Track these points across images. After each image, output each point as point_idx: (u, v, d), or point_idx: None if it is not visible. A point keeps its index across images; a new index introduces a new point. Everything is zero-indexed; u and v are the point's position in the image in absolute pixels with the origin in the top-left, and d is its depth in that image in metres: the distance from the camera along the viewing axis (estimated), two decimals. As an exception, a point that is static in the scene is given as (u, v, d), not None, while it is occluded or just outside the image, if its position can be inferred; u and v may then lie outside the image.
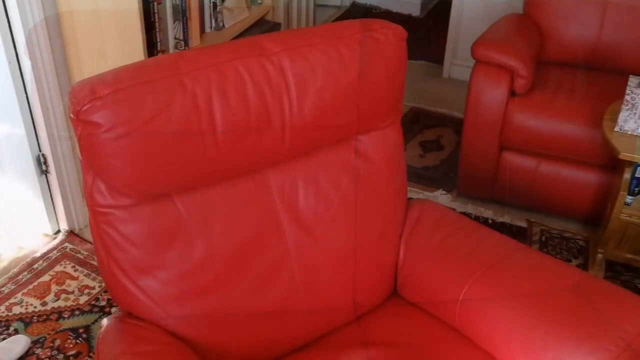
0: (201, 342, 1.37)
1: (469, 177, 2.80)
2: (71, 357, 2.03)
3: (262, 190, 1.43)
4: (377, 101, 1.48)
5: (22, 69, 2.28)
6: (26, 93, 2.33)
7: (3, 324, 2.15)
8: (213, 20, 2.63)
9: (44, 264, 2.41)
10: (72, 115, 1.20)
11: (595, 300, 1.34)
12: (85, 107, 1.17)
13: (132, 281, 1.32)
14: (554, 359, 1.28)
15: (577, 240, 2.62)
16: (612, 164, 2.43)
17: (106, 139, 1.19)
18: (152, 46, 2.28)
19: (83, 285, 2.32)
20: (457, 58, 4.02)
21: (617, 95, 2.49)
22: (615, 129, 2.22)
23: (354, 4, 5.09)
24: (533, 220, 2.75)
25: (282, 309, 1.45)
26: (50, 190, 2.54)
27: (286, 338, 1.49)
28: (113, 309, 2.21)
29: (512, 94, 2.58)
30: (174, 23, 2.35)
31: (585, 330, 1.28)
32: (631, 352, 1.23)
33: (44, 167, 2.47)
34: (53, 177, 2.49)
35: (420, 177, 3.07)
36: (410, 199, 1.70)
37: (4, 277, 2.35)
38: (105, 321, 1.36)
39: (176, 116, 1.22)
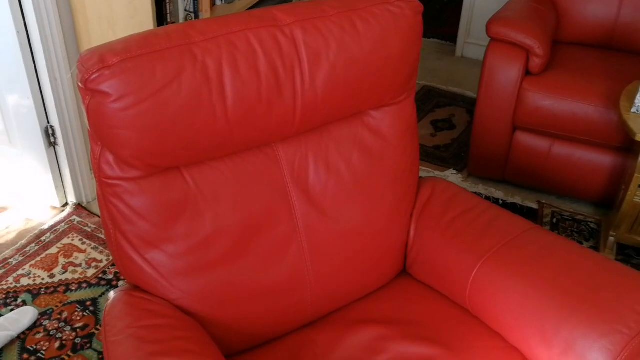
0: (208, 316, 1.36)
1: (480, 157, 2.76)
2: (78, 330, 2.03)
3: (272, 165, 1.41)
4: (391, 76, 1.45)
5: (31, 39, 2.25)
6: (35, 64, 2.30)
7: (11, 295, 2.15)
8: (224, -7, 2.60)
9: (52, 236, 2.41)
10: (80, 84, 1.17)
11: (609, 282, 1.31)
12: (93, 76, 1.15)
13: (140, 254, 1.31)
14: (566, 342, 1.26)
15: (589, 223, 2.59)
16: (627, 146, 2.39)
17: (114, 109, 1.16)
18: (161, 18, 2.25)
19: (91, 259, 2.31)
20: (471, 37, 3.96)
21: (635, 76, 2.44)
22: (632, 110, 2.18)
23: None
24: (544, 201, 2.72)
25: (290, 285, 1.44)
26: (58, 163, 2.53)
27: (294, 314, 1.48)
28: (120, 282, 2.21)
29: (527, 73, 2.53)
30: (184, -5, 2.32)
31: (599, 312, 1.26)
32: (645, 335, 1.21)
33: (52, 139, 2.45)
34: (61, 149, 2.47)
35: (431, 156, 3.03)
36: (420, 178, 1.68)
37: (11, 248, 2.35)
38: (112, 294, 1.35)
39: (186, 87, 1.20)
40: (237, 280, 1.37)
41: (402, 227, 1.58)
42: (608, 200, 2.57)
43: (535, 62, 2.49)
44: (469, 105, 3.45)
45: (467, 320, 1.49)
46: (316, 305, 1.50)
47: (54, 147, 2.48)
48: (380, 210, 1.53)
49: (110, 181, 1.26)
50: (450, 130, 3.25)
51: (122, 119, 1.17)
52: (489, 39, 2.57)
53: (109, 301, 1.33)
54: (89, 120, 1.21)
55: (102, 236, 2.41)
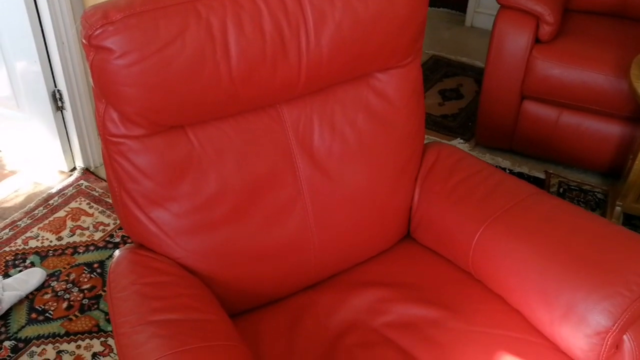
0: (212, 275, 1.37)
1: (487, 127, 2.75)
2: (86, 291, 2.05)
3: (276, 126, 1.41)
4: (397, 37, 1.43)
5: (38, 4, 2.24)
6: (42, 28, 2.30)
7: (19, 256, 2.17)
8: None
9: (60, 200, 2.43)
10: (83, 41, 1.17)
11: (613, 246, 1.31)
12: (97, 32, 1.14)
13: (144, 213, 1.32)
14: (567, 304, 1.26)
15: (596, 193, 2.58)
16: (637, 115, 2.37)
17: (118, 66, 1.16)
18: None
19: (98, 222, 2.33)
20: (481, 6, 3.91)
21: (646, 45, 2.41)
22: (642, 79, 2.15)
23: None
24: (551, 171, 2.71)
25: (294, 247, 1.45)
26: (66, 127, 2.54)
27: (297, 276, 1.49)
28: (127, 246, 2.22)
29: (537, 41, 2.50)
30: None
31: (601, 275, 1.26)
32: (647, 298, 1.21)
33: (59, 103, 2.46)
34: (69, 113, 2.48)
35: (438, 125, 3.02)
36: (426, 143, 1.67)
37: (20, 211, 2.37)
38: (117, 252, 1.37)
39: (190, 44, 1.19)
40: (240, 240, 1.38)
41: (406, 190, 1.58)
42: (615, 170, 2.56)
43: (545, 30, 2.46)
44: (478, 75, 3.42)
45: (469, 284, 1.49)
46: (319, 267, 1.51)
47: (62, 111, 2.49)
48: (384, 173, 1.53)
49: (114, 139, 1.26)
50: (458, 100, 3.23)
51: (125, 75, 1.17)
52: (499, 7, 2.54)
53: (114, 259, 1.35)
54: (92, 77, 1.21)
55: (110, 200, 2.43)
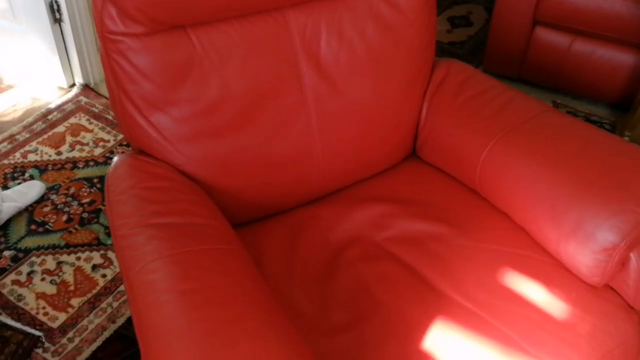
0: (214, 184, 1.34)
1: (497, 54, 2.67)
2: (85, 205, 2.04)
3: (281, 31, 1.35)
4: (411, -60, 1.36)
5: None
6: None
7: (18, 169, 2.15)
8: None
9: (59, 115, 2.39)
10: None
11: (625, 164, 1.27)
12: None
13: (144, 116, 1.28)
14: (575, 221, 1.24)
15: (604, 124, 2.53)
16: (653, 43, 2.30)
17: (117, -45, 1.10)
18: None
19: (98, 138, 2.29)
20: None
21: (668, -32, 2.31)
22: (662, 3, 2.07)
23: None
24: (559, 101, 2.65)
25: (296, 158, 1.41)
26: (64, 42, 2.47)
27: (300, 189, 1.47)
28: (126, 152, 2.19)
29: (554, -38, 2.40)
30: None
31: (612, 192, 1.23)
32: (657, 216, 1.19)
33: (57, 15, 2.38)
34: (67, 26, 2.40)
35: (446, 52, 2.94)
36: (435, 59, 1.61)
37: (18, 125, 2.33)
38: (116, 158, 1.34)
39: None
40: (242, 149, 1.35)
41: (414, 105, 1.54)
42: (625, 101, 2.50)
43: (563, -49, 2.36)
44: (488, 3, 3.32)
45: (475, 202, 1.47)
46: (323, 181, 1.48)
47: (60, 23, 2.41)
48: (392, 86, 1.48)
49: (113, 37, 1.21)
50: (467, 27, 3.14)
51: (124, -34, 1.11)
52: None
53: (113, 163, 1.31)
54: (90, -32, 1.15)
55: (110, 117, 2.38)
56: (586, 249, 1.22)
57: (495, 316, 1.21)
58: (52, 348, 1.66)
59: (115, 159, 1.33)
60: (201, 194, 1.29)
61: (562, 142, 1.35)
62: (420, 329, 1.18)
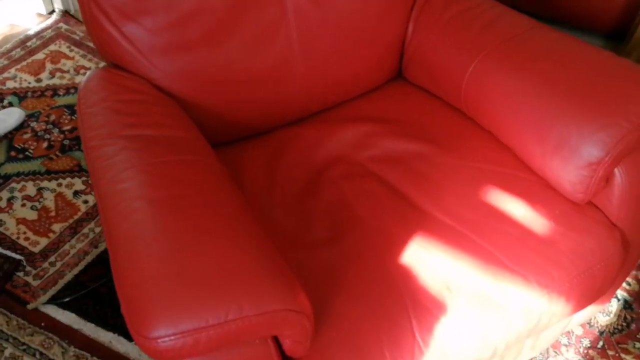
0: (191, 100, 1.30)
1: (491, -18, 2.59)
2: (66, 132, 1.99)
3: (260, -61, 1.29)
4: None
5: None
6: None
7: (-3, 96, 2.10)
8: None
9: (38, 42, 2.32)
10: None
11: (615, 78, 1.23)
12: None
13: (116, 27, 1.22)
14: (560, 136, 1.21)
15: (598, 55, 2.47)
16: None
17: None
18: None
19: (79, 66, 2.24)
20: None
21: None
22: None
23: None
24: (554, 32, 2.59)
25: (277, 75, 1.37)
26: (42, -35, 2.38)
27: (281, 108, 1.43)
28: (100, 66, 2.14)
29: None
30: None
31: (599, 106, 1.19)
32: (644, 130, 1.16)
33: (33, -64, 2.29)
34: (44, -52, 2.31)
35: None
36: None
37: (-4, 52, 2.27)
38: (89, 72, 1.29)
39: None
40: (219, 63, 1.30)
41: (399, 20, 1.48)
42: (620, 33, 2.44)
43: None
44: None
45: (460, 121, 1.44)
46: (305, 100, 1.44)
47: (36, -54, 2.32)
48: (377, 1, 1.42)
49: (80, -61, 1.15)
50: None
51: None
52: None
53: (85, 76, 1.27)
54: None
55: (91, 44, 2.32)
56: (570, 165, 1.19)
57: (476, 232, 1.19)
58: (34, 272, 1.65)
59: (88, 72, 1.28)
60: (176, 108, 1.25)
61: (550, 57, 1.30)
62: (400, 245, 1.17)
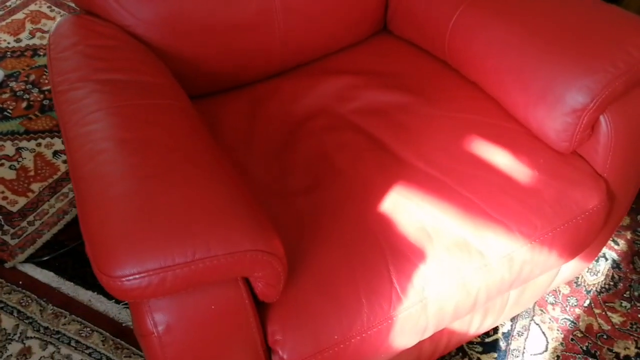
0: (167, 49, 1.26)
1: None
2: (46, 92, 1.95)
3: None
4: None
5: None
6: None
7: (-25, 57, 2.05)
8: None
9: (18, 1, 2.26)
10: None
11: (603, 25, 1.19)
12: None
13: (88, -30, 1.18)
14: (545, 84, 1.17)
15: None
16: None
17: None
18: None
19: (59, 26, 2.18)
20: None
21: None
22: None
23: None
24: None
25: (255, 24, 1.33)
26: None
27: (260, 60, 1.39)
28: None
29: None
30: None
31: (585, 50, 1.16)
32: (630, 76, 1.12)
33: None
34: None
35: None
36: None
37: (-25, 12, 2.22)
38: (60, 18, 1.25)
39: None
40: (195, 12, 1.26)
41: (383, -29, 1.44)
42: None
43: None
44: None
45: (445, 73, 1.40)
46: (285, 51, 1.40)
47: None
48: (359, -51, 1.38)
49: None
50: None
51: None
52: None
53: (56, 23, 1.23)
54: None
55: (73, 4, 2.26)
56: (555, 112, 1.16)
57: (458, 181, 1.16)
58: (12, 230, 1.62)
59: (60, 19, 1.24)
60: (151, 56, 1.21)
61: (535, 4, 1.27)
62: (379, 193, 1.14)
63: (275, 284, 0.90)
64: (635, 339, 1.50)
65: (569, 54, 1.17)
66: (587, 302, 1.57)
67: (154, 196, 0.85)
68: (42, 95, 1.94)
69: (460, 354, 1.44)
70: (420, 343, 1.17)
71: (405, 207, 1.11)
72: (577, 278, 1.61)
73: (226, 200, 0.89)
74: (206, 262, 0.81)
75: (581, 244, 1.21)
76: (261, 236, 0.86)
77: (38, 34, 2.14)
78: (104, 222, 0.83)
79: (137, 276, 0.79)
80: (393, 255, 1.04)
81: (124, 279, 0.79)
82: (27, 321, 1.45)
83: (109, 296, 1.50)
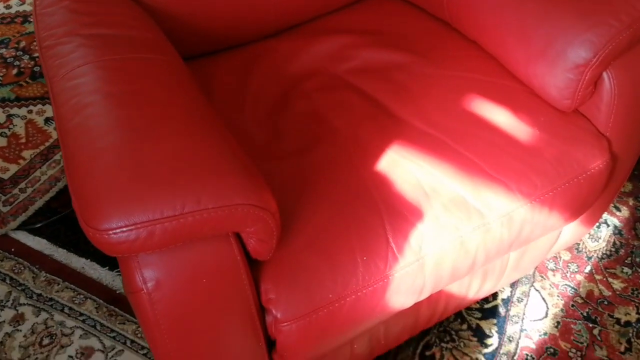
0: (158, 5, 1.23)
1: None
2: (37, 59, 1.91)
3: None
4: None
5: None
6: None
7: (-35, 24, 2.01)
8: None
9: (8, -32, 2.22)
10: None
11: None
12: None
13: None
14: (546, 39, 1.14)
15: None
16: None
17: None
18: None
19: (51, -7, 2.14)
20: None
21: None
22: None
23: None
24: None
25: (250, -19, 1.29)
26: None
27: (255, 20, 1.35)
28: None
29: None
30: None
31: (587, 3, 1.12)
32: (635, 30, 1.09)
33: None
34: None
35: None
36: None
37: (-36, -21, 2.17)
38: (47, -25, 1.21)
39: None
40: (188, -34, 1.22)
41: None
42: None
43: None
44: None
45: (444, 32, 1.36)
46: (280, 12, 1.37)
47: None
48: None
49: None
50: None
51: None
52: None
53: (43, -22, 1.19)
54: None
55: (63, -28, 2.21)
56: (557, 69, 1.13)
57: (456, 140, 1.13)
58: (3, 198, 1.59)
59: (46, -25, 1.20)
60: (140, 11, 1.17)
61: (538, -42, 1.22)
62: (376, 152, 1.11)
63: (267, 239, 0.87)
64: (637, 304, 1.48)
65: (571, 7, 1.13)
66: (588, 268, 1.55)
67: (142, 149, 0.82)
68: (32, 62, 1.90)
69: (459, 319, 1.42)
70: (417, 306, 1.15)
71: (403, 166, 1.08)
72: (578, 244, 1.59)
73: (217, 154, 0.86)
74: (196, 215, 0.79)
75: (582, 205, 1.18)
76: (253, 190, 0.84)
77: (28, 1, 2.10)
78: (90, 175, 0.80)
79: (124, 229, 0.76)
80: (389, 213, 1.01)
81: (110, 232, 0.76)
82: (19, 288, 1.43)
83: (102, 263, 1.48)
